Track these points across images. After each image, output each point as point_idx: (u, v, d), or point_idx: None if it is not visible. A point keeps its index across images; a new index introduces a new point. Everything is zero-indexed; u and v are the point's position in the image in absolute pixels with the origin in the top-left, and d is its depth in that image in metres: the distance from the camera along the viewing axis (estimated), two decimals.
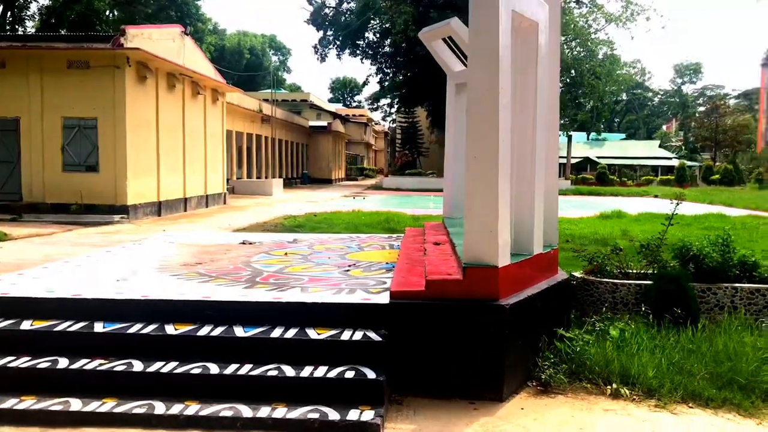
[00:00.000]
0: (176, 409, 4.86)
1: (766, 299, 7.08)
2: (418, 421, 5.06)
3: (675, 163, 61.07)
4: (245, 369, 5.19)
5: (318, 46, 52.28)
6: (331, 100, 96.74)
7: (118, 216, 19.55)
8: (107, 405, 4.90)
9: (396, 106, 66.20)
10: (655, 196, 40.96)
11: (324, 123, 59.83)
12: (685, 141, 78.88)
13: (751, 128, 72.62)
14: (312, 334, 5.48)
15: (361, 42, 51.78)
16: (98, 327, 5.60)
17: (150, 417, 4.80)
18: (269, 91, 58.42)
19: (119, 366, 5.23)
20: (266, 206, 28.78)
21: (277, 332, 5.50)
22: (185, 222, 20.49)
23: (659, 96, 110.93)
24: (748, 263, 7.34)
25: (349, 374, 5.13)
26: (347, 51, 52.26)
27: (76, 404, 4.91)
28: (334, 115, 67.16)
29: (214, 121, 28.13)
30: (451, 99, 10.82)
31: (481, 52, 5.54)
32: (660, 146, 70.51)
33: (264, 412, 4.84)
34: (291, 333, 5.49)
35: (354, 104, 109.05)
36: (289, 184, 45.83)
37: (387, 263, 7.93)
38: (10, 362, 5.29)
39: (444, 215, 11.04)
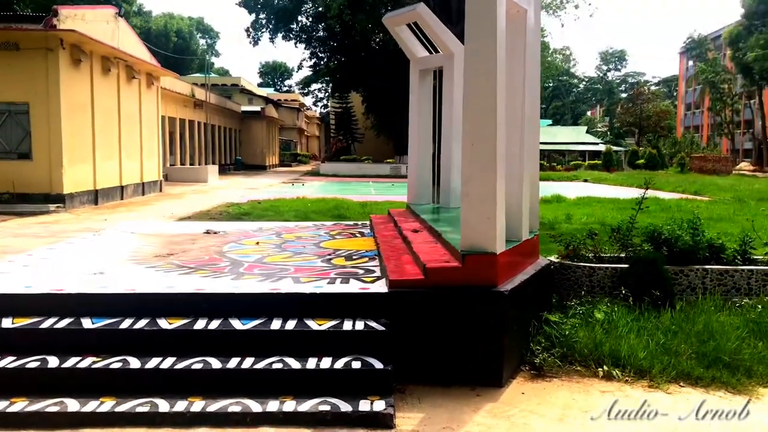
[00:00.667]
0: (181, 406, 4.70)
1: (734, 280, 7.36)
2: (425, 409, 5.05)
3: (602, 148, 62.88)
4: (248, 363, 5.05)
5: (250, 30, 51.32)
6: (261, 85, 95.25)
7: (53, 205, 18.75)
8: (107, 404, 4.70)
9: (329, 91, 65.85)
10: (585, 180, 42.15)
11: (257, 108, 58.91)
12: (610, 126, 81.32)
13: (672, 114, 75.46)
14: (312, 325, 5.38)
15: (295, 26, 51.10)
16: (86, 323, 5.35)
17: (155, 415, 4.62)
18: (199, 75, 57.11)
19: (114, 363, 5.02)
20: (204, 194, 28.18)
21: (276, 324, 5.38)
22: (124, 211, 19.85)
23: (584, 83, 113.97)
24: (716, 245, 7.61)
25: (356, 364, 5.07)
26: (280, 35, 51.51)
27: (72, 405, 4.69)
28: (267, 100, 66.20)
29: (149, 106, 27.30)
30: (415, 85, 10.79)
31: (480, 38, 5.52)
32: (587, 132, 72.38)
33: (273, 405, 4.74)
34: (291, 324, 5.38)
35: (285, 89, 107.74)
36: (222, 170, 44.92)
37: (366, 251, 7.86)
38: None
39: (409, 202, 11.03)
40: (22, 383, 4.89)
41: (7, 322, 5.37)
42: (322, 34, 51.25)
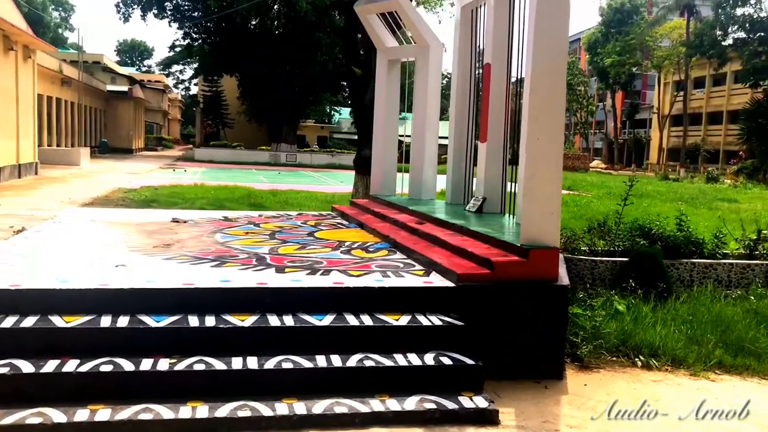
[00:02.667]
0: (282, 408, 4.43)
1: (717, 272, 7.95)
2: (510, 403, 5.06)
3: None
4: (336, 360, 4.84)
5: (121, 5, 48.39)
6: (119, 63, 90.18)
7: None
8: (201, 409, 4.33)
9: (199, 74, 63.41)
10: None
11: (124, 88, 55.78)
12: None
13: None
14: (388, 320, 5.23)
15: (169, 3, 48.74)
16: (149, 321, 4.87)
17: (259, 419, 4.33)
18: (63, 51, 53.18)
19: (196, 365, 4.62)
20: (86, 178, 26.42)
21: (351, 319, 5.18)
22: (11, 194, 18.18)
23: (446, 78, 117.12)
24: (699, 241, 8.17)
25: (445, 360, 5.00)
26: (152, 12, 48.93)
27: (165, 412, 4.28)
28: (131, 80, 62.84)
29: (25, 82, 25.10)
30: (383, 75, 10.70)
31: (552, 39, 5.60)
32: None
33: (377, 405, 4.58)
34: (367, 320, 5.20)
35: (144, 69, 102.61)
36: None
37: (375, 243, 7.71)
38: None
39: (373, 192, 10.92)
40: (96, 388, 4.39)
41: (58, 321, 4.79)
42: (197, 14, 49.25)
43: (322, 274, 5.90)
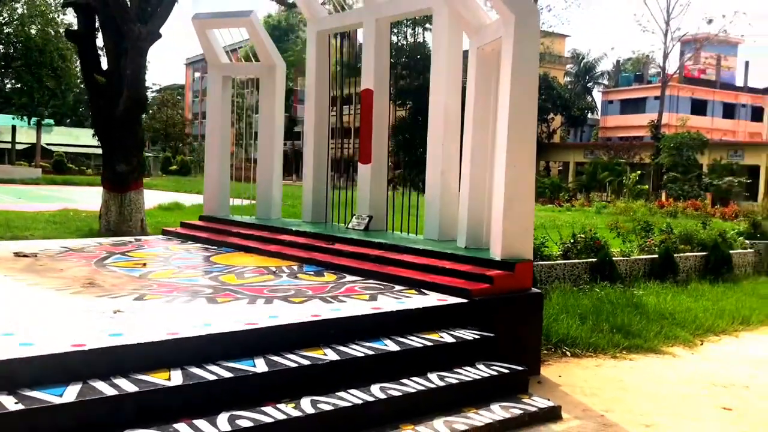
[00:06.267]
0: None
1: (557, 271, 9.57)
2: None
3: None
4: (411, 386, 4.98)
5: None
6: None
7: None
8: None
9: None
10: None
11: None
12: None
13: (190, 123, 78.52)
14: (422, 340, 5.47)
15: None
16: (218, 370, 4.39)
17: None
18: None
19: (304, 405, 4.42)
20: None
21: (391, 345, 5.30)
22: None
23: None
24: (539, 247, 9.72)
25: (502, 369, 5.49)
26: None
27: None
28: None
29: None
30: (217, 92, 10.36)
31: (525, 73, 6.38)
32: None
33: (474, 418, 4.88)
34: (412, 341, 5.40)
35: None
36: None
37: (302, 267, 7.61)
38: None
39: (209, 213, 10.47)
40: None
41: (177, 376, 4.14)
42: None
43: (333, 302, 5.87)
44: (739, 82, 62.21)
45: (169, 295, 5.94)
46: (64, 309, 5.32)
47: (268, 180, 10.15)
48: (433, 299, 6.07)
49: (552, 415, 5.27)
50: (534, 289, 6.59)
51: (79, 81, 48.21)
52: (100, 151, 14.80)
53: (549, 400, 5.46)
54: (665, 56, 47.03)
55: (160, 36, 13.96)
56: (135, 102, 12.92)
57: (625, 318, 8.15)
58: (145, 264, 7.56)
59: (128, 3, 13.17)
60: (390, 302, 5.89)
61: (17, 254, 7.94)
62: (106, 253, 8.29)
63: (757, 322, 9.01)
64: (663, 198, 35.67)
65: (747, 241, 12.91)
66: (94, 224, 14.00)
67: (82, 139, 65.67)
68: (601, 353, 7.32)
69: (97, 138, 19.75)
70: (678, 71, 54.10)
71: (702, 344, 7.94)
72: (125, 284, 6.37)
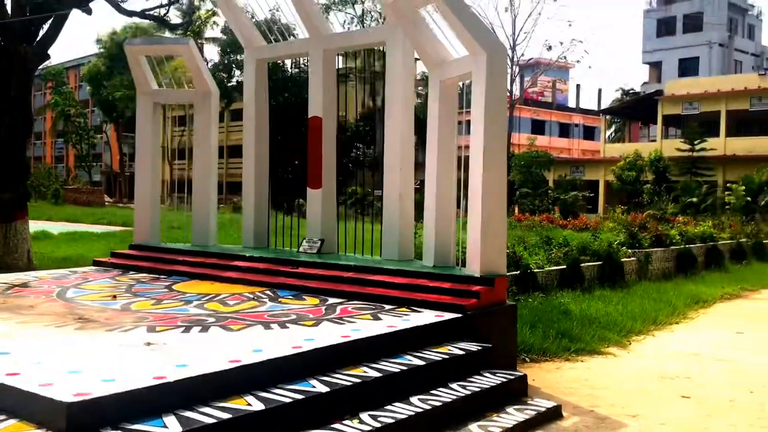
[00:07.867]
0: None
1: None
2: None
3: None
4: (443, 396, 5.40)
5: None
6: None
7: None
8: None
9: None
10: None
11: None
12: None
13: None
14: (438, 354, 5.90)
15: None
16: (279, 391, 4.64)
17: None
18: None
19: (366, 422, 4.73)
20: None
21: (414, 360, 5.69)
22: None
23: None
24: None
25: (507, 377, 6.03)
26: None
27: None
28: None
29: None
30: (148, 117, 10.19)
31: (497, 106, 7.02)
32: None
33: (500, 420, 5.40)
34: (430, 356, 5.82)
35: None
36: None
37: (276, 292, 7.72)
38: None
39: (140, 241, 10.22)
40: None
41: (254, 401, 4.25)
42: None
43: (346, 324, 6.13)
44: (572, 104, 67.86)
45: (178, 325, 5.94)
46: (95, 345, 5.22)
47: (205, 206, 10.12)
48: (431, 316, 6.51)
49: (556, 414, 5.88)
50: (509, 302, 7.22)
51: None
52: None
53: (550, 401, 6.07)
54: (512, 80, 50.24)
55: (48, 57, 13.41)
56: (21, 125, 12.23)
57: (564, 324, 9.00)
58: (115, 296, 7.38)
59: (13, 23, 12.50)
60: (395, 321, 6.25)
61: None
62: (58, 287, 7.95)
63: (665, 322, 10.23)
64: (516, 212, 38.23)
65: (629, 250, 14.41)
66: None
67: None
68: (555, 357, 8.07)
69: None
70: (519, 94, 58.04)
71: (630, 344, 8.95)
72: (119, 318, 6.25)
